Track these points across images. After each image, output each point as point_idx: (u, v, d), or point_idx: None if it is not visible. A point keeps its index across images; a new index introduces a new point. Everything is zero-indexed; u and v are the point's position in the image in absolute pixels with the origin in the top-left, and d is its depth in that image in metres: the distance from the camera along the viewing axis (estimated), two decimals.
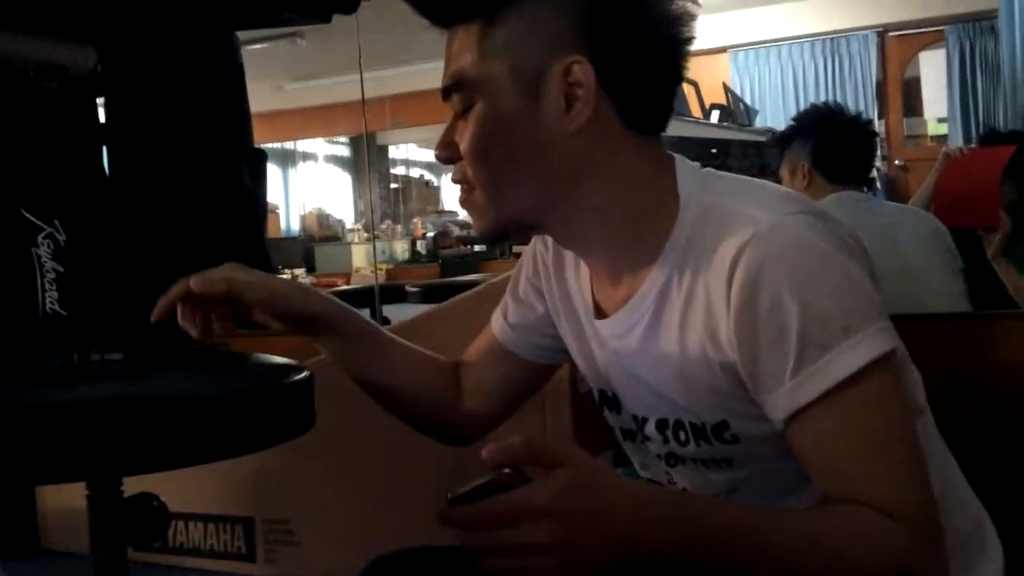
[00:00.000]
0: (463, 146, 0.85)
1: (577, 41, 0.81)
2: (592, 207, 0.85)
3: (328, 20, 0.84)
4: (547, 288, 1.00)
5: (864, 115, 2.31)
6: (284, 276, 7.20)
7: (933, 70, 6.61)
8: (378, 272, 6.47)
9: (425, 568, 0.92)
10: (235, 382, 0.87)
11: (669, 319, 0.83)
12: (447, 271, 7.44)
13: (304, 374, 0.92)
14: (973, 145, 3.25)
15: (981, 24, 6.14)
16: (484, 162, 0.84)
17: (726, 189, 0.84)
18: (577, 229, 0.87)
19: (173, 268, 0.95)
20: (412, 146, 12.54)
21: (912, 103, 7.02)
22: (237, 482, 1.79)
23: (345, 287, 6.59)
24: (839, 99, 6.37)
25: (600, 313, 0.91)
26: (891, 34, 6.53)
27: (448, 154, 0.87)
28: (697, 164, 0.88)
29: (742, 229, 0.77)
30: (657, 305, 0.84)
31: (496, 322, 1.05)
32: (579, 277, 0.96)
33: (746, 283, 0.76)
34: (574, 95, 0.81)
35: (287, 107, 8.31)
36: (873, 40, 6.54)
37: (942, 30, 6.39)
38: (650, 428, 0.89)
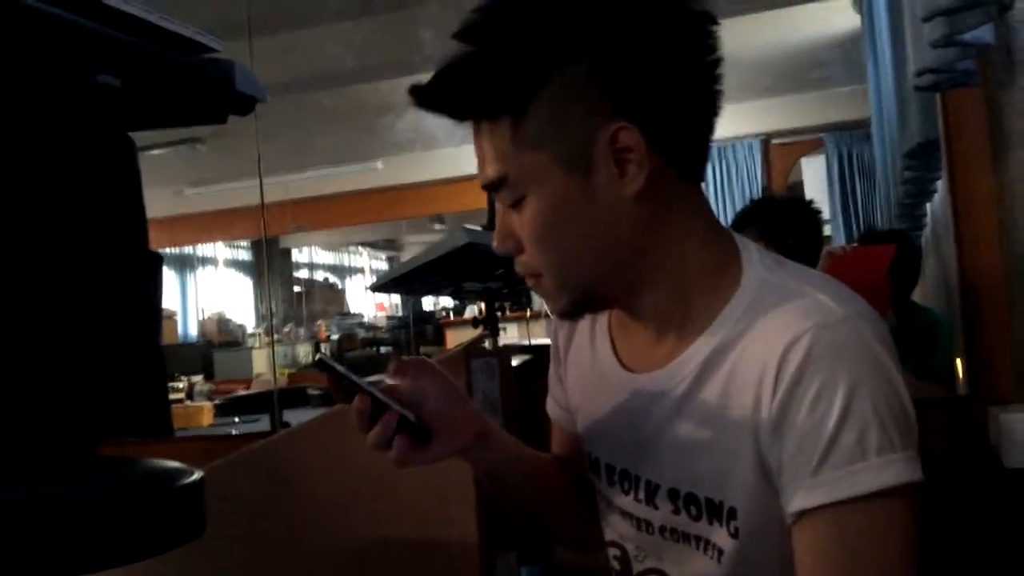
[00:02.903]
0: (525, 238, 0.83)
1: (614, 107, 0.79)
2: (663, 267, 0.84)
3: (223, 121, 0.84)
4: (564, 366, 1.01)
5: (809, 200, 2.38)
6: (181, 383, 6.97)
7: (814, 175, 6.97)
8: (281, 376, 6.32)
9: None
10: (117, 485, 0.83)
11: (714, 384, 0.81)
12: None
13: (194, 477, 0.88)
14: (855, 244, 3.42)
15: (856, 132, 6.55)
16: (550, 250, 0.83)
17: (792, 270, 0.84)
18: (645, 293, 0.86)
19: (63, 376, 0.92)
20: (316, 248, 12.47)
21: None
22: None
23: (244, 392, 6.41)
24: (728, 203, 6.66)
25: (629, 371, 0.90)
26: (774, 141, 6.90)
27: (508, 247, 0.85)
28: (757, 245, 0.88)
29: (809, 313, 0.77)
30: (704, 369, 0.82)
31: (552, 410, 1.07)
32: (596, 337, 0.95)
33: (799, 366, 0.75)
34: (625, 160, 0.79)
35: (186, 212, 8.21)
36: (758, 147, 6.88)
37: (821, 138, 6.79)
38: (661, 496, 0.87)
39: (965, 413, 1.75)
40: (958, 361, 2.08)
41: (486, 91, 0.82)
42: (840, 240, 6.56)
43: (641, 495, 0.89)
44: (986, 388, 1.75)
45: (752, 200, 2.35)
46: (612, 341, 0.93)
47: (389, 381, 0.87)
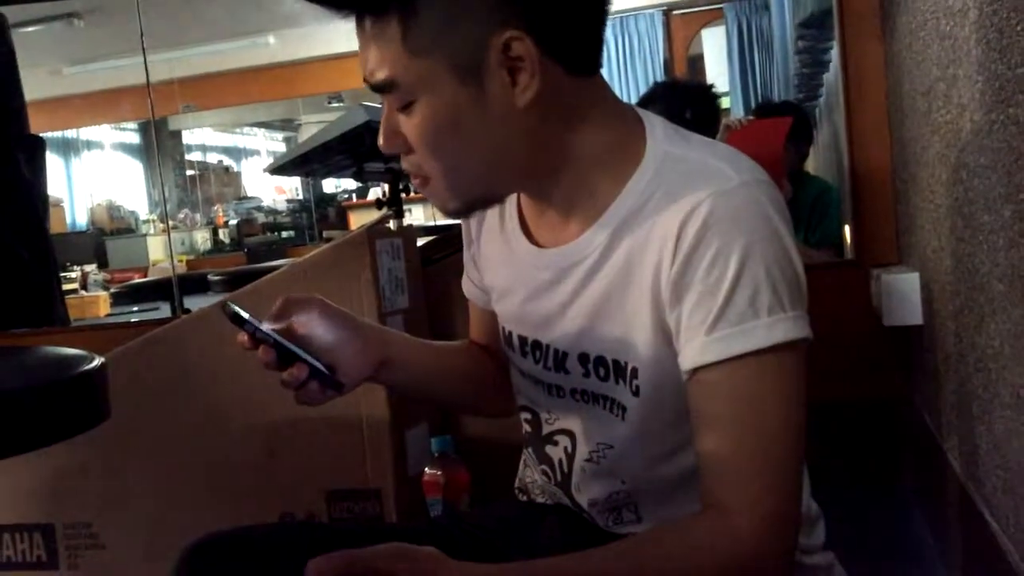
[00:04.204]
0: (413, 141, 0.81)
1: (508, 13, 0.77)
2: (561, 162, 0.84)
3: None
4: (477, 246, 1.02)
5: (709, 85, 2.46)
6: (74, 273, 6.76)
7: (715, 47, 7.00)
8: (179, 263, 6.19)
9: (244, 550, 0.90)
10: (16, 373, 0.82)
11: (620, 254, 0.83)
12: (254, 259, 7.20)
13: (95, 363, 0.87)
14: (751, 117, 3.48)
15: (756, 2, 6.56)
16: (440, 155, 0.82)
17: (695, 142, 0.85)
18: (546, 185, 0.87)
19: None
20: (208, 130, 12.00)
21: (697, 79, 7.42)
22: (31, 486, 1.68)
23: (141, 279, 6.26)
24: (630, 76, 6.65)
25: (540, 247, 0.92)
26: (675, 12, 6.86)
27: (394, 147, 0.83)
28: (663, 119, 0.87)
29: (708, 180, 0.79)
30: (611, 240, 0.84)
31: (468, 290, 1.07)
32: (506, 217, 0.96)
33: (697, 232, 0.77)
34: (517, 69, 0.78)
35: (67, 93, 7.75)
36: (659, 19, 6.84)
37: (721, 8, 6.77)
38: (571, 361, 0.90)
39: (850, 276, 1.84)
40: (846, 228, 2.17)
41: None
42: (739, 112, 6.65)
43: (551, 363, 0.93)
44: (869, 252, 1.84)
45: (655, 83, 2.41)
46: (522, 220, 0.95)
47: (267, 327, 0.86)
